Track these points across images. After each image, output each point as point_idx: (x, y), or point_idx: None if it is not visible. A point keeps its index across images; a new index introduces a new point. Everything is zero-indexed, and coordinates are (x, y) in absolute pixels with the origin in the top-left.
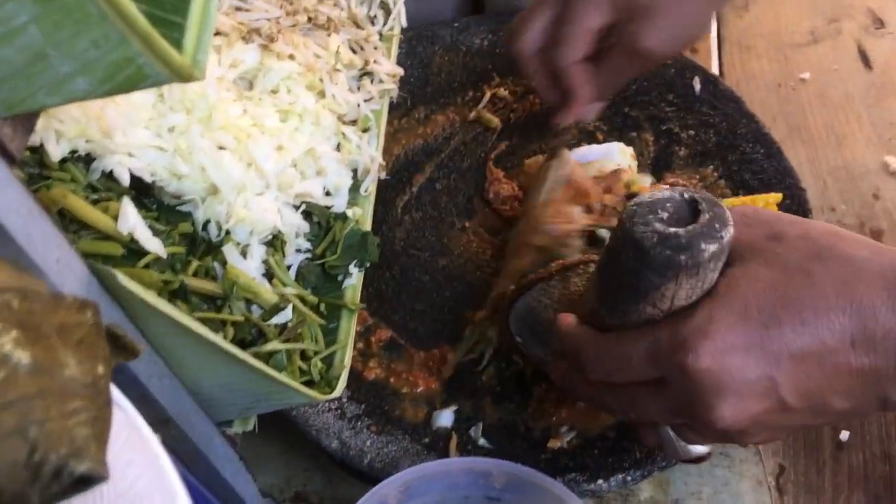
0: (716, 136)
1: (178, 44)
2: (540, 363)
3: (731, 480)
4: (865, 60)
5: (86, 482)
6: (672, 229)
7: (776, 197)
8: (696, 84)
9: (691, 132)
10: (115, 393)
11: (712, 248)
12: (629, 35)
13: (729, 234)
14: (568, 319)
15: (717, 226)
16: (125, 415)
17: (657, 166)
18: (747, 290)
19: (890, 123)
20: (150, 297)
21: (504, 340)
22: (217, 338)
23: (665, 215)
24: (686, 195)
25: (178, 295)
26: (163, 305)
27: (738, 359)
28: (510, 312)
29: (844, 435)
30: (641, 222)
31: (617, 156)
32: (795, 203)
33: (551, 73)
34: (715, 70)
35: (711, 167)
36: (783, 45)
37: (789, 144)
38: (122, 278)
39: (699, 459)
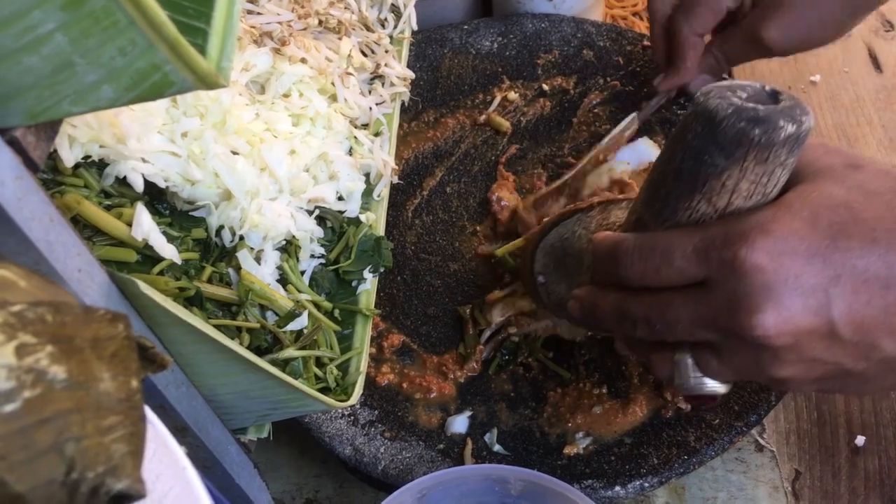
0: None
1: (202, 50)
2: (557, 306)
3: (747, 486)
4: (876, 63)
5: (123, 500)
6: (750, 104)
7: None
8: None
9: None
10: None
11: (790, 128)
12: (755, 23)
13: (808, 122)
14: (605, 232)
15: (797, 111)
16: (153, 427)
17: None
18: (819, 202)
19: None
20: (170, 305)
21: (525, 280)
22: (235, 345)
23: (744, 95)
24: (767, 87)
25: (193, 302)
26: (183, 313)
27: (797, 264)
28: (538, 246)
29: (860, 440)
30: (717, 95)
31: (649, 150)
32: None
33: (672, 36)
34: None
35: None
36: None
37: None
38: (143, 286)
39: (711, 398)
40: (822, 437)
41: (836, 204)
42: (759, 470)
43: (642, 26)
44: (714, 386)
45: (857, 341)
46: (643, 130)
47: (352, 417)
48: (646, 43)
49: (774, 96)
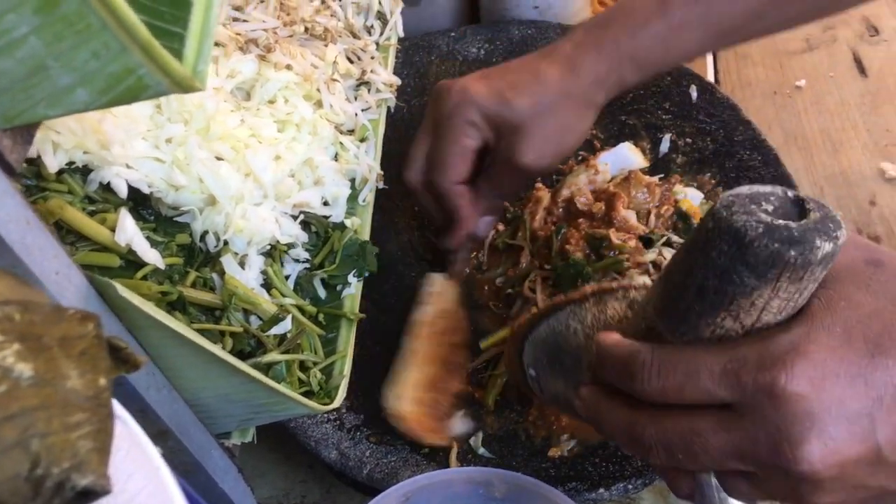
0: (713, 144)
1: (178, 54)
2: (553, 401)
3: None
4: (860, 68)
5: (88, 496)
6: (782, 221)
7: None
8: (693, 92)
9: (688, 140)
10: (116, 405)
11: (827, 247)
12: (505, 151)
13: (843, 237)
14: (613, 335)
15: (831, 225)
16: (126, 427)
17: (654, 174)
18: (849, 314)
19: (886, 130)
20: (149, 308)
21: (513, 372)
22: (216, 348)
23: (770, 208)
24: (790, 193)
25: (176, 306)
26: (161, 316)
27: (840, 388)
28: (526, 340)
29: None
30: (743, 211)
31: (630, 156)
32: None
33: (436, 196)
34: (710, 78)
35: (709, 174)
36: (778, 53)
37: (785, 151)
38: (121, 289)
39: None
40: None
41: (867, 315)
42: None
43: None
44: None
45: None
46: (627, 135)
47: (337, 422)
48: None
49: (800, 204)
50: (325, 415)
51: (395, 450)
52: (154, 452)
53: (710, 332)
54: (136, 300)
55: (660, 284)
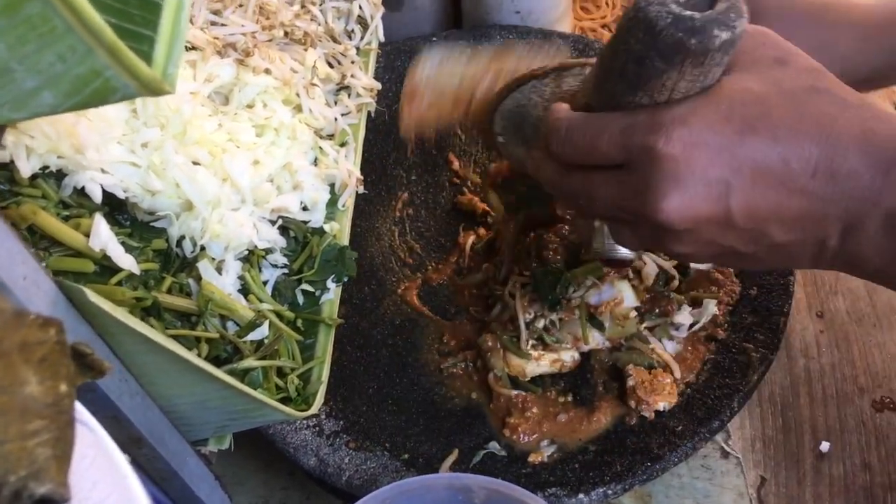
0: None
1: (147, 57)
2: (516, 163)
3: (713, 493)
4: None
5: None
6: (687, 12)
7: None
8: None
9: None
10: (83, 412)
11: (724, 35)
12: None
13: (742, 25)
14: (562, 106)
15: (732, 15)
16: (93, 434)
17: None
18: (736, 97)
19: None
20: (120, 314)
21: (486, 136)
22: (190, 354)
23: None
24: None
25: (150, 312)
26: (132, 322)
27: (706, 155)
28: (497, 108)
29: (825, 446)
30: (658, 2)
31: None
32: None
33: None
34: None
35: None
36: None
37: None
38: (91, 295)
39: (621, 263)
40: (788, 443)
41: (752, 100)
42: (724, 477)
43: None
44: (625, 253)
45: (750, 228)
46: None
47: (317, 428)
48: None
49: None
50: (304, 421)
51: (374, 456)
52: (122, 460)
53: (630, 109)
54: (106, 306)
55: (595, 67)
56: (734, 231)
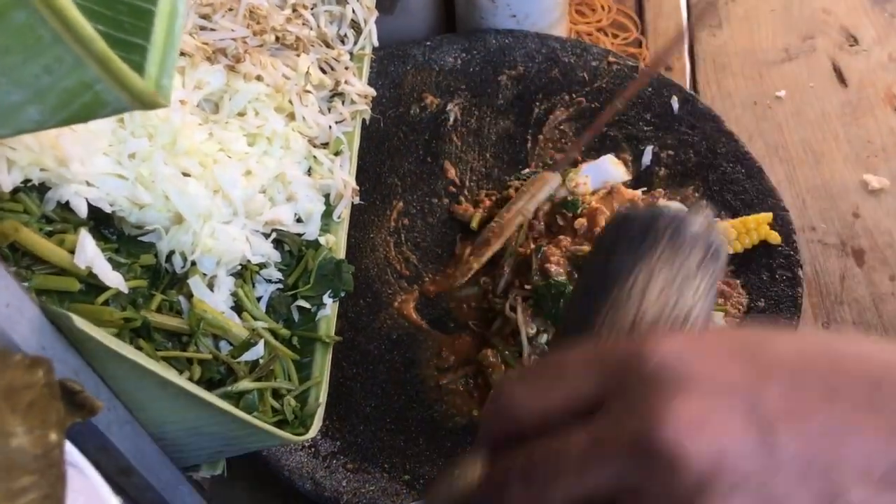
0: (696, 156)
1: (139, 67)
2: None
3: None
4: (840, 78)
5: None
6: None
7: (766, 217)
8: (674, 103)
9: (671, 152)
10: (73, 452)
11: (697, 224)
12: None
13: (716, 231)
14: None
15: (705, 214)
16: (83, 477)
17: (637, 188)
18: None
19: (867, 141)
20: (109, 340)
21: None
22: (181, 380)
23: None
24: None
25: (140, 333)
26: (122, 348)
27: (716, 358)
28: None
29: None
30: (628, 209)
31: (611, 169)
32: (779, 224)
33: None
34: (689, 88)
35: (692, 188)
36: (758, 63)
37: (767, 162)
38: (78, 321)
39: None
40: None
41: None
42: None
43: (607, 42)
44: None
45: (801, 466)
46: (608, 147)
47: (312, 449)
48: (611, 59)
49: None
50: (301, 442)
51: (373, 478)
52: (113, 502)
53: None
54: (94, 332)
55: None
56: (782, 472)
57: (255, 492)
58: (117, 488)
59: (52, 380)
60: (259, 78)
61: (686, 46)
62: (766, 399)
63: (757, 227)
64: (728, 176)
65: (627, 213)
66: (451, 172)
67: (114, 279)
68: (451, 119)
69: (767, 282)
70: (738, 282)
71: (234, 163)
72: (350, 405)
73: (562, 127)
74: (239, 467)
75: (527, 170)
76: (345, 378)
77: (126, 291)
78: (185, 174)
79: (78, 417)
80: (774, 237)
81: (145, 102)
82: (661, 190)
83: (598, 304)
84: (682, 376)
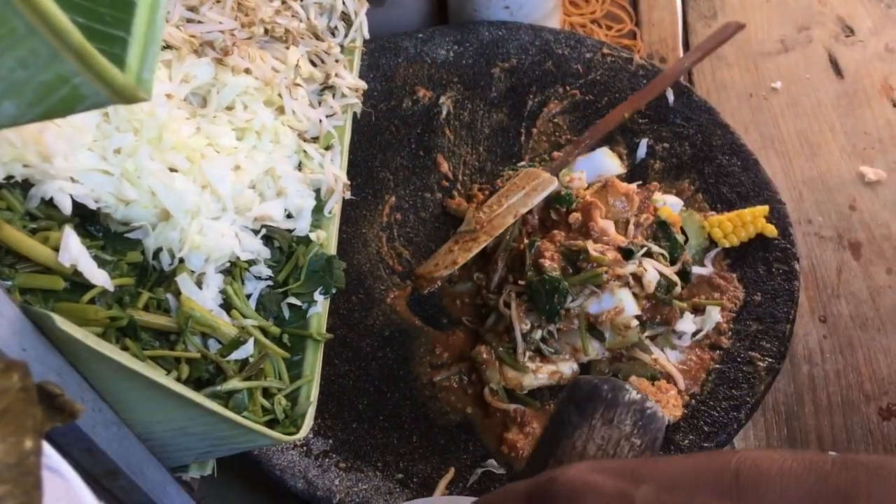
0: (691, 149)
1: (120, 60)
2: None
3: None
4: (836, 69)
5: None
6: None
7: (763, 210)
8: (670, 95)
9: (666, 144)
10: (53, 456)
11: (634, 394)
12: None
13: (655, 408)
14: None
15: (644, 395)
16: (63, 482)
17: (632, 181)
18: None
19: (864, 133)
20: (91, 340)
21: None
22: (168, 380)
23: None
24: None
25: (126, 332)
26: (104, 348)
27: (607, 476)
28: None
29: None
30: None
31: (606, 161)
32: (775, 216)
33: None
34: (684, 80)
35: (688, 181)
36: (753, 54)
37: (763, 155)
38: (59, 321)
39: None
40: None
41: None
42: None
43: (601, 34)
44: None
45: None
46: (603, 140)
47: (304, 448)
48: (605, 51)
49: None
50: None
51: (366, 477)
52: None
53: None
54: (76, 332)
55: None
56: None
57: (248, 488)
58: (104, 490)
59: (29, 384)
60: (247, 71)
61: (681, 38)
62: (639, 499)
63: (753, 220)
64: (724, 169)
65: (579, 379)
66: (444, 166)
67: (99, 277)
68: (444, 112)
69: (764, 275)
70: (734, 276)
71: (223, 158)
72: (343, 403)
73: (556, 120)
74: (232, 466)
75: (521, 163)
76: (337, 376)
77: (112, 289)
78: (172, 169)
79: (57, 422)
80: (771, 230)
81: (126, 97)
82: (655, 183)
83: (552, 452)
84: (580, 491)
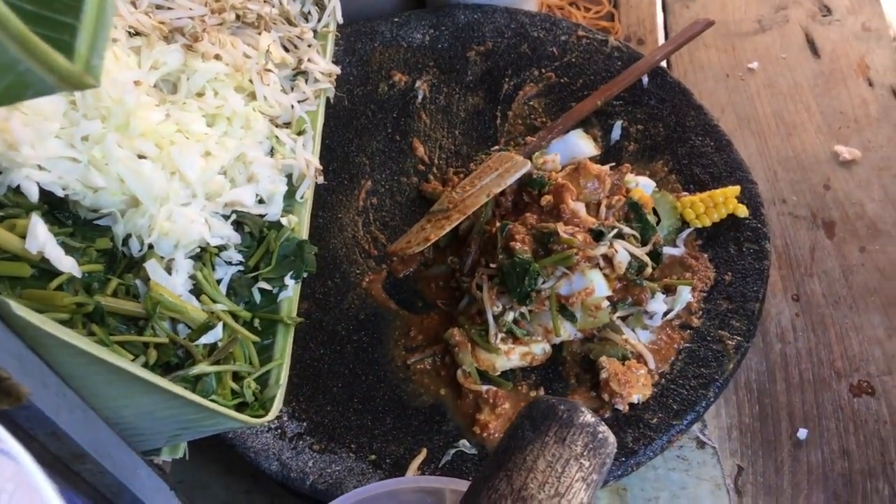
0: (665, 130)
1: (69, 47)
2: None
3: (689, 484)
4: (813, 48)
5: None
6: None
7: (734, 190)
8: (644, 77)
9: (640, 126)
10: (5, 439)
11: (588, 417)
12: None
13: (606, 432)
14: None
15: (599, 421)
16: (15, 464)
17: (606, 163)
18: None
19: (839, 112)
20: (50, 326)
21: None
22: (131, 364)
23: None
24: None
25: (93, 318)
26: (64, 334)
27: None
28: None
29: (802, 433)
30: (539, 397)
31: (580, 144)
32: (746, 196)
33: None
34: (663, 62)
35: (661, 162)
36: (731, 35)
37: (738, 135)
38: (15, 307)
39: None
40: (765, 431)
41: None
42: (700, 468)
43: (578, 16)
44: None
45: None
46: (578, 123)
47: (279, 430)
48: (580, 33)
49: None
50: (266, 424)
51: (339, 458)
52: (48, 490)
53: (487, 498)
54: (33, 318)
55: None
56: None
57: (222, 471)
58: (73, 473)
59: None
60: (218, 57)
61: (660, 20)
62: None
63: (725, 200)
64: (697, 149)
65: (539, 397)
66: (420, 150)
67: (66, 264)
68: (420, 96)
69: (735, 255)
70: (705, 256)
71: (193, 144)
72: (317, 386)
73: (531, 103)
74: (209, 449)
75: (496, 147)
76: (312, 359)
77: (80, 276)
78: (141, 156)
79: (4, 405)
80: (742, 210)
81: (73, 83)
82: (628, 165)
83: (504, 462)
84: None
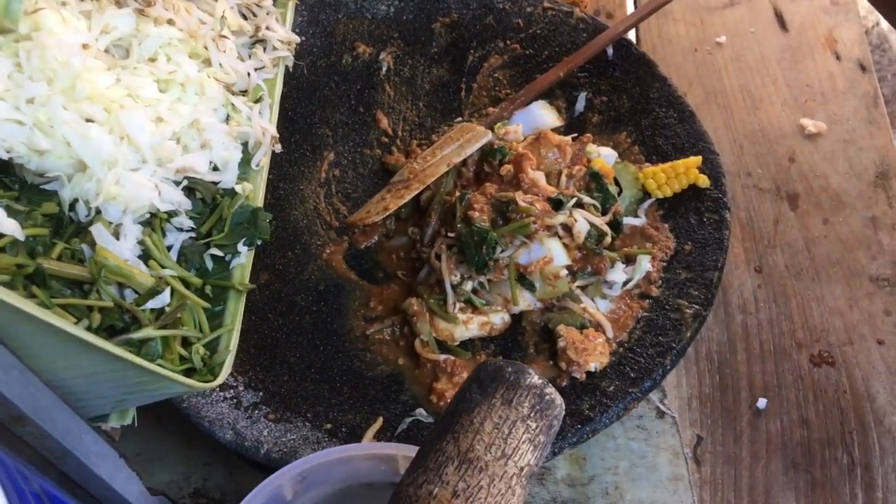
0: (629, 101)
1: None
2: None
3: (648, 454)
4: (781, 22)
5: None
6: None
7: (696, 160)
8: (609, 48)
9: (604, 98)
10: None
11: (535, 379)
12: None
13: (555, 395)
14: None
15: (547, 384)
16: None
17: (570, 134)
18: None
19: (806, 85)
20: None
21: None
22: (69, 325)
23: None
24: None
25: (35, 280)
26: None
27: None
28: None
29: (762, 402)
30: (487, 361)
31: (542, 114)
32: (708, 167)
33: None
34: (632, 35)
35: (625, 133)
36: (700, 9)
37: (705, 109)
38: None
39: None
40: (724, 400)
41: None
42: (660, 437)
43: None
44: None
45: None
46: (541, 93)
47: (234, 400)
48: (546, 5)
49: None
50: (221, 393)
51: (294, 427)
52: None
53: (434, 461)
54: None
55: None
56: None
57: (181, 442)
58: (14, 437)
59: None
60: (171, 22)
61: None
62: None
63: (686, 171)
64: (660, 121)
65: (486, 362)
66: (384, 122)
67: (9, 226)
68: (384, 68)
69: (695, 225)
70: (666, 226)
71: (143, 109)
72: (275, 356)
73: (496, 75)
74: (169, 420)
75: (459, 119)
76: (270, 329)
77: (22, 238)
78: (89, 120)
79: None
80: (703, 181)
81: None
82: (589, 135)
83: (452, 425)
84: None
